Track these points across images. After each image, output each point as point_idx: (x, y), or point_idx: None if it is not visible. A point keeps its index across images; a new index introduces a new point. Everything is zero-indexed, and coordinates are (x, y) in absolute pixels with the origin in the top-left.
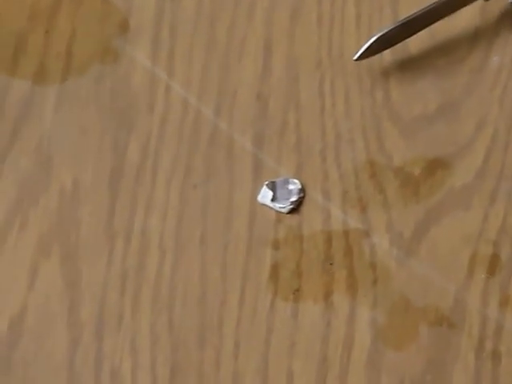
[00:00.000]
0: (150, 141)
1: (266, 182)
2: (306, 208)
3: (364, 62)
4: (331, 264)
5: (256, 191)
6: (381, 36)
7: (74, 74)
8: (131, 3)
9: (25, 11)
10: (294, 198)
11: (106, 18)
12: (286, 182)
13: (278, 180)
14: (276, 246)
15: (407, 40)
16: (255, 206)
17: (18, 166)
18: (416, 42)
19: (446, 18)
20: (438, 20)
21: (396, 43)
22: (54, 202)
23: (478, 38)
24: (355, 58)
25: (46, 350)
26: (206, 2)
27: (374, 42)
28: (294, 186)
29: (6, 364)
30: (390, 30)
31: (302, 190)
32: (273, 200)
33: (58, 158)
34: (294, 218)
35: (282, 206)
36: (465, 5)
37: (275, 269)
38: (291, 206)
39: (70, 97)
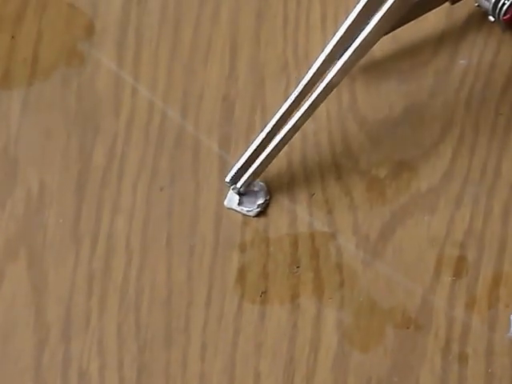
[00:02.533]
0: (116, 143)
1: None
2: (272, 211)
3: None
4: (298, 267)
5: (222, 192)
6: None
7: (39, 77)
8: (96, 7)
9: None
10: (260, 201)
11: (72, 22)
12: (252, 185)
13: None
14: (243, 248)
15: None
16: (221, 208)
17: None
18: (381, 47)
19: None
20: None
21: None
22: (21, 204)
23: (443, 41)
24: None
25: (13, 351)
26: (171, 6)
27: None
28: (260, 188)
29: None
30: None
31: (268, 192)
32: (239, 204)
33: (25, 161)
34: (261, 220)
35: (248, 209)
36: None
37: (242, 271)
38: (258, 209)
39: (36, 100)
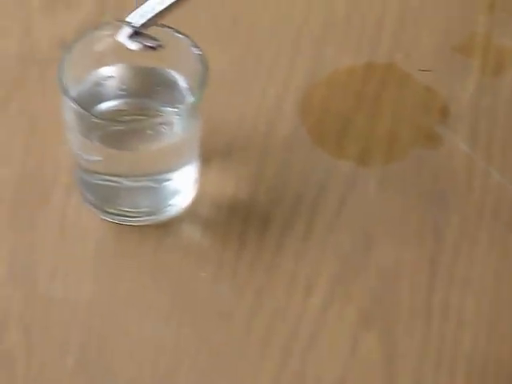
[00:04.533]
0: (467, 224)
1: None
2: None
3: None
4: None
5: None
6: None
7: (395, 157)
8: (451, 90)
9: (351, 95)
10: (149, 43)
11: (428, 105)
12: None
13: None
14: None
15: None
16: None
17: (341, 241)
18: None
19: None
20: None
21: None
22: (375, 277)
23: None
24: None
25: None
26: None
27: None
28: (158, 42)
29: None
30: None
31: (161, 46)
32: (128, 37)
33: (380, 236)
34: None
35: (131, 43)
36: None
37: None
38: (138, 44)
39: (391, 179)
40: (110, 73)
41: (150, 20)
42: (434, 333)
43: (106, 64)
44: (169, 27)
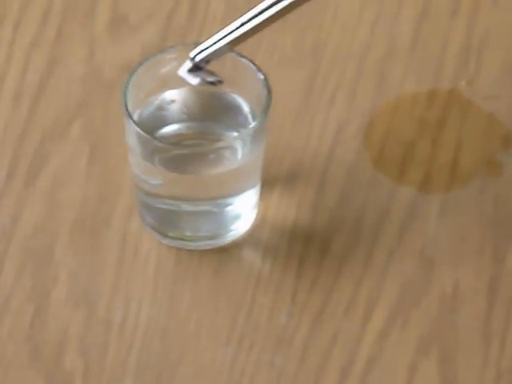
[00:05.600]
0: None
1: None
2: None
3: None
4: None
5: None
6: None
7: (457, 183)
8: None
9: (413, 122)
10: (210, 78)
11: (490, 132)
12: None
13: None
14: None
15: None
16: None
17: (401, 267)
18: None
19: None
20: None
21: None
22: (435, 303)
23: None
24: None
25: None
26: None
27: None
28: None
29: None
30: None
31: (220, 82)
32: (188, 71)
33: (440, 261)
34: None
35: (195, 79)
36: None
37: None
38: (200, 80)
39: (453, 205)
40: (173, 96)
41: (211, 55)
42: (493, 359)
43: (170, 87)
44: (232, 51)
